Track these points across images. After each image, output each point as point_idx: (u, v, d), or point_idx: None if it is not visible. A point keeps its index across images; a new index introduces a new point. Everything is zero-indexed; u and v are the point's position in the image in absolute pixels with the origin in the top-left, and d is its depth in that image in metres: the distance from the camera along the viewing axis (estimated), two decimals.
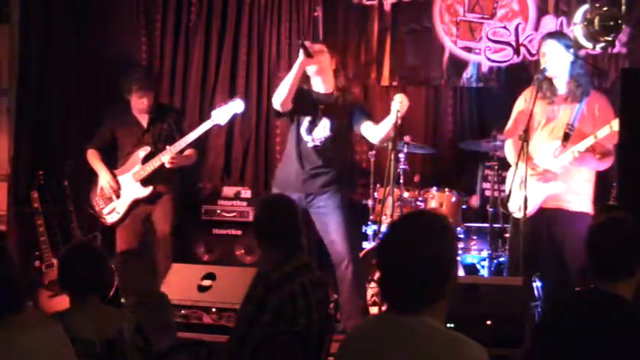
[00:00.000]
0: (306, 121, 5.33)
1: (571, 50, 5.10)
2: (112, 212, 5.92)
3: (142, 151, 5.87)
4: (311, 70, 5.32)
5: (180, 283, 5.34)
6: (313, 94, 5.39)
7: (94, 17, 7.22)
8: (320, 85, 5.39)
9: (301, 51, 5.23)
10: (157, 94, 6.23)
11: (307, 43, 5.31)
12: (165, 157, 5.77)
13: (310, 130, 5.32)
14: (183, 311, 5.13)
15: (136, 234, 6.00)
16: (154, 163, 5.84)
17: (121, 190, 5.88)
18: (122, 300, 6.15)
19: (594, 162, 5.08)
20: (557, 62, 5.08)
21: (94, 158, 6.02)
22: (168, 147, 5.80)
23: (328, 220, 5.29)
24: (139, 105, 5.90)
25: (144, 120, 5.98)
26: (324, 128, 5.31)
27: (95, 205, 5.95)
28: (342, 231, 5.26)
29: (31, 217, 6.21)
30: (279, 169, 5.54)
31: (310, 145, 5.32)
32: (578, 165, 5.07)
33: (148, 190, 5.84)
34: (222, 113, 5.82)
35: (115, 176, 5.91)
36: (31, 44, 7.00)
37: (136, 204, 5.92)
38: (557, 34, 5.54)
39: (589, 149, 4.98)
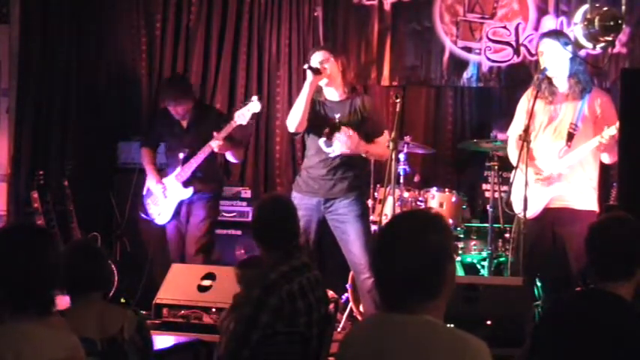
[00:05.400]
0: (324, 133, 5.25)
1: (568, 47, 5.08)
2: (161, 213, 5.96)
3: (182, 153, 5.90)
4: (322, 82, 5.24)
5: (180, 283, 5.34)
6: (328, 104, 5.31)
7: (93, 17, 7.22)
8: (333, 94, 5.31)
9: (309, 72, 5.15)
10: (193, 97, 6.17)
11: (312, 60, 5.23)
12: (214, 143, 5.76)
13: (329, 142, 5.24)
14: (183, 311, 5.13)
15: (182, 234, 6.02)
16: (192, 165, 5.86)
17: (166, 191, 5.91)
18: (122, 300, 6.18)
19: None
20: (555, 61, 5.06)
21: (146, 159, 6.10)
22: (215, 133, 5.78)
23: (348, 229, 5.19)
24: (175, 113, 5.94)
25: (184, 121, 5.99)
26: (343, 136, 5.23)
27: (146, 205, 5.99)
28: (362, 241, 5.14)
29: (31, 217, 6.21)
30: (300, 175, 5.42)
31: (332, 155, 5.23)
32: (604, 151, 4.99)
33: (190, 190, 5.87)
34: (244, 113, 5.77)
35: (160, 178, 5.94)
36: (31, 44, 7.00)
37: (180, 205, 5.95)
38: (554, 33, 5.52)
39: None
